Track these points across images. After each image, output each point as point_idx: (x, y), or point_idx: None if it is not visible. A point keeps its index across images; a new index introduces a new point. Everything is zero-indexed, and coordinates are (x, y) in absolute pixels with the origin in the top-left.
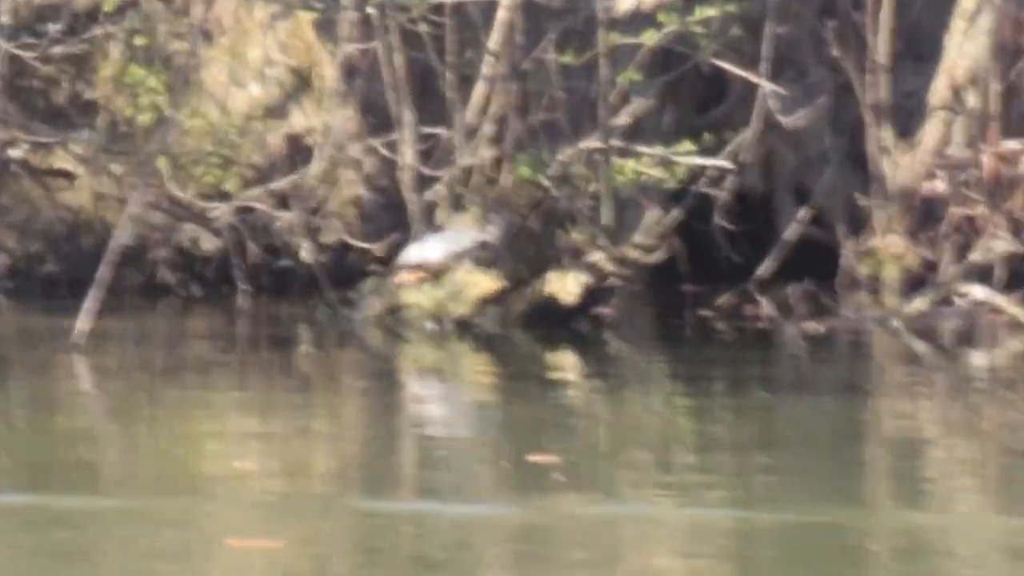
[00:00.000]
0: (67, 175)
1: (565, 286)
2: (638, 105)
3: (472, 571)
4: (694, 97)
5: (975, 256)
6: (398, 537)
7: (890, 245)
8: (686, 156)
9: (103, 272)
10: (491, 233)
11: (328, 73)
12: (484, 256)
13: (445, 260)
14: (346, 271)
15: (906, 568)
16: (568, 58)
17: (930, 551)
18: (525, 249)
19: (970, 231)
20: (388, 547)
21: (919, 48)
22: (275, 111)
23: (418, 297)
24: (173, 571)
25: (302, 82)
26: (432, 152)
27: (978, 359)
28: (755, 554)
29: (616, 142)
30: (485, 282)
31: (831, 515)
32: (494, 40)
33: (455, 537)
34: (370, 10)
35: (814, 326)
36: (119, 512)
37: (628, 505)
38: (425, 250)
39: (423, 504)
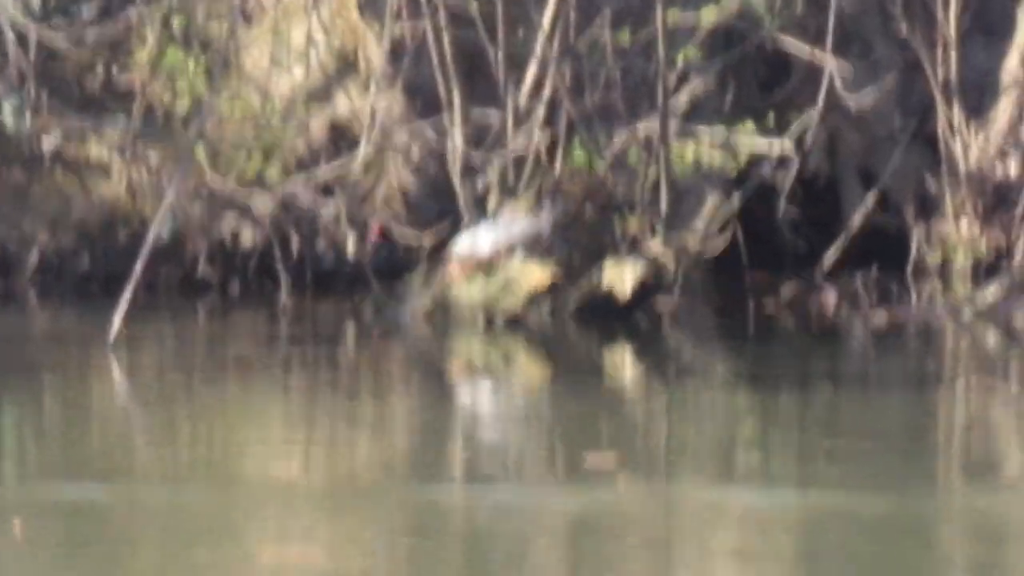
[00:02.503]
0: (100, 166)
1: (621, 277)
2: (697, 86)
3: (526, 553)
4: (756, 77)
5: None
6: (447, 523)
7: (961, 230)
8: (747, 138)
9: (139, 268)
10: (544, 221)
11: (374, 54)
12: (537, 246)
13: (496, 251)
14: (393, 263)
15: (976, 549)
16: (624, 37)
17: (1002, 533)
18: (579, 238)
19: None
20: (438, 532)
21: (990, 22)
22: (318, 95)
23: (468, 290)
24: (208, 565)
25: (346, 64)
26: (482, 137)
27: None
28: (820, 535)
29: (674, 125)
30: (537, 274)
31: (897, 500)
32: (546, 18)
33: (508, 522)
34: None
35: (882, 317)
36: (156, 505)
37: (686, 492)
38: (475, 240)
39: (474, 488)
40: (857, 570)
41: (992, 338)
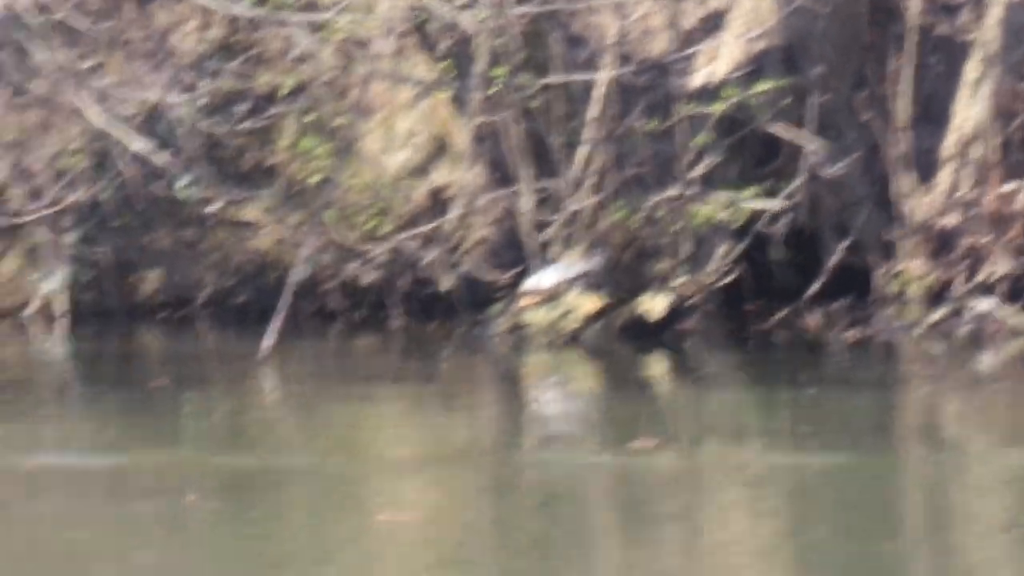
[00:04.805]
0: (253, 225)
1: (654, 306)
2: (709, 161)
3: (585, 501)
4: (753, 154)
5: (982, 276)
6: (524, 482)
7: (913, 269)
8: (748, 201)
9: (284, 302)
10: (594, 264)
11: (461, 139)
12: (589, 283)
13: (557, 286)
14: (479, 297)
15: (924, 496)
16: (653, 124)
17: (947, 484)
18: (621, 277)
19: (977, 256)
20: (517, 488)
21: (933, 112)
22: (419, 170)
23: (536, 316)
24: (334, 529)
25: (440, 147)
26: (546, 201)
27: (985, 359)
28: (808, 487)
29: (692, 191)
30: (590, 303)
31: (863, 458)
32: (592, 111)
33: (571, 482)
34: (493, 89)
35: (853, 334)
36: (297, 474)
37: (708, 458)
38: (541, 279)
39: (543, 459)
40: (841, 505)
41: (937, 349)
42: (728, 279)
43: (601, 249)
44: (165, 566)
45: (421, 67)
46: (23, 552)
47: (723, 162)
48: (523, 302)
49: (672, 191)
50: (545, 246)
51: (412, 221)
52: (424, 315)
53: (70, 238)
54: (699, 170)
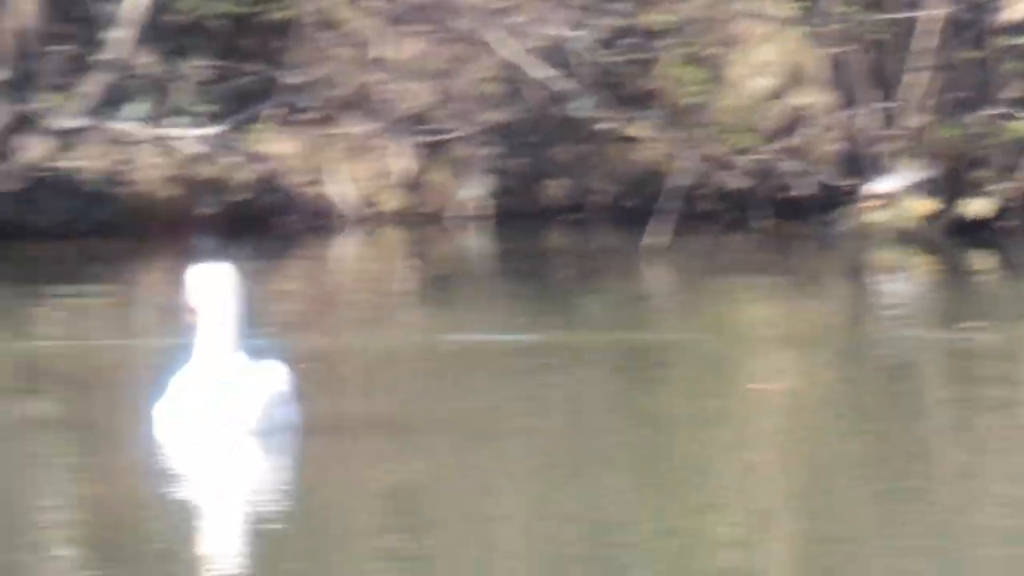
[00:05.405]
0: (639, 141)
1: (977, 209)
2: (1021, 85)
3: (923, 374)
4: None
5: None
6: (871, 355)
7: None
8: None
9: (664, 206)
10: (926, 173)
11: (813, 67)
12: (922, 188)
13: (896, 191)
14: (829, 201)
15: None
16: (972, 55)
17: None
18: (949, 183)
19: None
20: (865, 360)
21: None
22: (777, 94)
23: (877, 217)
24: (711, 396)
25: (795, 74)
26: (885, 119)
27: None
28: None
29: (1006, 110)
30: (923, 206)
31: None
32: (923, 43)
33: (912, 354)
34: (841, 24)
35: None
36: (680, 351)
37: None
38: (883, 185)
39: (887, 336)
40: None
41: None
42: None
43: (932, 160)
44: (607, 430)
45: (780, 6)
46: (435, 417)
47: None
48: (867, 205)
49: (989, 111)
50: (884, 158)
51: (772, 137)
52: (782, 216)
53: (487, 152)
54: (1012, 92)
